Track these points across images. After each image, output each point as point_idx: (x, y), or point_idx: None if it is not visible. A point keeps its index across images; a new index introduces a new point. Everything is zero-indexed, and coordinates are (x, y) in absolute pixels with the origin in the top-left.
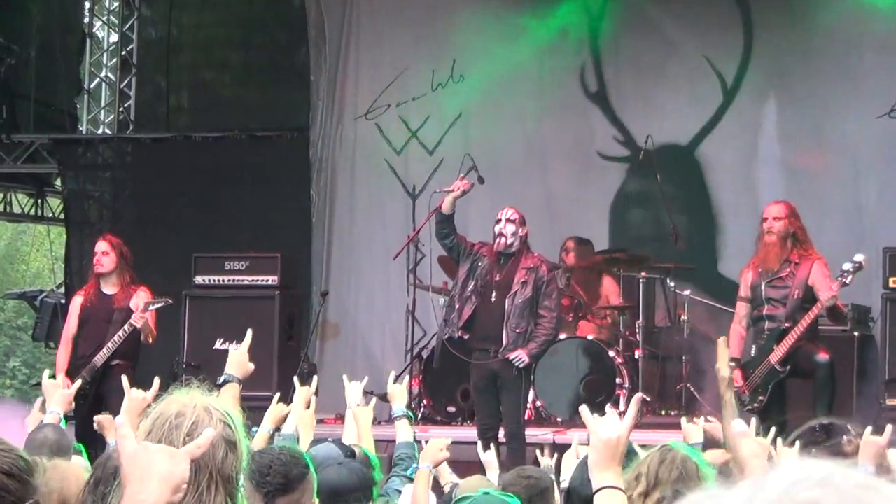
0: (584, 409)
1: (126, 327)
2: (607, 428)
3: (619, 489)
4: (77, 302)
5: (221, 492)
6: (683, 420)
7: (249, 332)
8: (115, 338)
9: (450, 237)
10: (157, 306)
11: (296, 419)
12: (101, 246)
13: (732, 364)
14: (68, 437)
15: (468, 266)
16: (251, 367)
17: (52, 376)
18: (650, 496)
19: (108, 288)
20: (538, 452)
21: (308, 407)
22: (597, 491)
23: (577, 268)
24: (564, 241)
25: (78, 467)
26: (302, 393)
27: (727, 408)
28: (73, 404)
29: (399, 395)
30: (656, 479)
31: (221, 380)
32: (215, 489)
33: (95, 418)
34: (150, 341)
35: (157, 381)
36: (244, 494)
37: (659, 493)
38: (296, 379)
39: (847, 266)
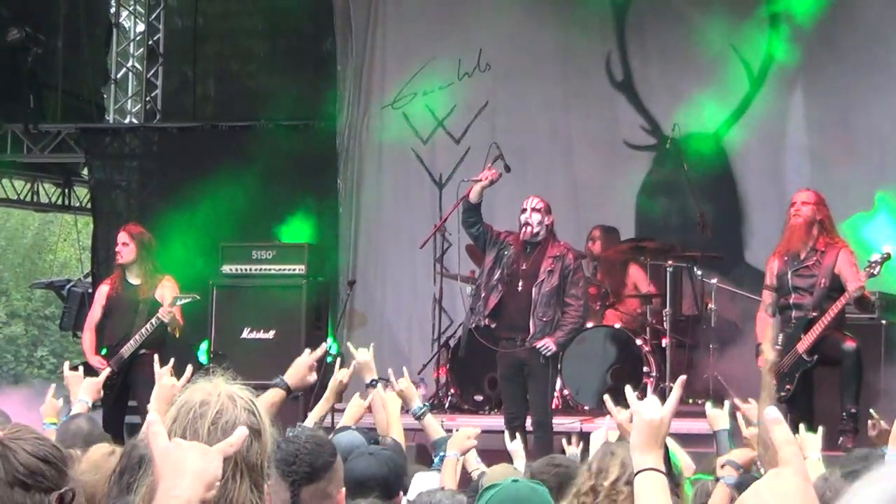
0: (627, 390)
1: (154, 321)
2: (650, 409)
3: (661, 472)
4: (103, 291)
5: (247, 480)
6: (708, 405)
7: (323, 346)
8: (143, 330)
9: (476, 226)
10: (183, 301)
11: (326, 403)
12: (121, 237)
13: (778, 347)
14: (100, 427)
15: (494, 255)
16: (311, 380)
17: (74, 367)
18: (602, 486)
19: (133, 278)
20: (564, 441)
21: (339, 392)
22: (638, 472)
23: (604, 257)
24: (591, 230)
25: (111, 459)
26: (336, 380)
27: (766, 389)
28: (101, 393)
29: (412, 395)
30: (600, 470)
31: (274, 381)
32: (241, 477)
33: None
34: (177, 334)
35: (189, 368)
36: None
37: (609, 479)
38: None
39: (875, 257)
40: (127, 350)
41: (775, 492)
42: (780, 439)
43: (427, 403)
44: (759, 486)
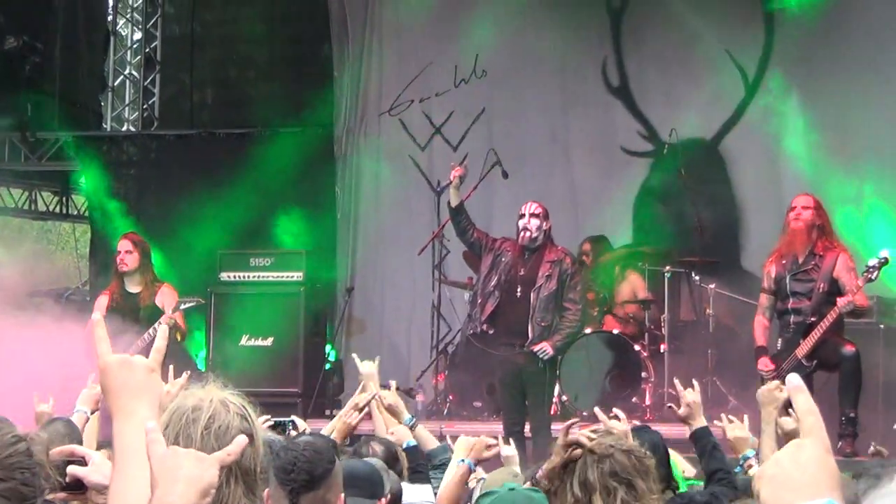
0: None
1: (157, 325)
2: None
3: None
4: (102, 302)
5: (241, 484)
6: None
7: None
8: (145, 335)
9: (468, 232)
10: (188, 305)
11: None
12: (125, 245)
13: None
14: (78, 432)
15: (490, 261)
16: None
17: None
18: (593, 502)
19: (133, 286)
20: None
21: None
22: None
23: (600, 262)
24: (582, 244)
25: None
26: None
27: (767, 423)
28: (98, 404)
29: (399, 408)
30: (584, 483)
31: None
32: (234, 482)
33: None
34: (180, 339)
35: (185, 374)
36: (263, 488)
37: (599, 496)
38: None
39: (872, 261)
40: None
41: (797, 462)
42: (802, 408)
43: (412, 416)
44: (781, 457)
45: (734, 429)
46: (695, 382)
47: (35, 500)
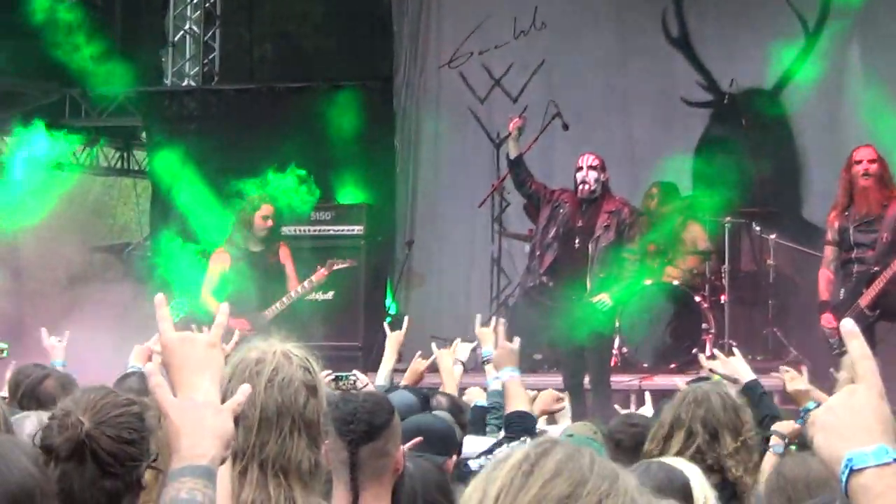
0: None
1: (306, 283)
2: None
3: None
4: (225, 258)
5: (304, 436)
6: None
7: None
8: (295, 291)
9: (526, 184)
10: (340, 267)
11: (387, 367)
12: (270, 210)
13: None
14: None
15: (548, 212)
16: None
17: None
18: (674, 437)
19: (254, 246)
20: (617, 407)
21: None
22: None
23: (661, 213)
24: (650, 187)
25: None
26: (393, 338)
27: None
28: (152, 358)
29: (486, 337)
30: (676, 419)
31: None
32: (298, 434)
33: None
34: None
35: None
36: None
37: (682, 433)
38: (386, 326)
39: None
40: (272, 312)
41: (849, 408)
42: (856, 354)
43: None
44: (834, 403)
45: (793, 381)
46: (803, 371)
47: (140, 461)
